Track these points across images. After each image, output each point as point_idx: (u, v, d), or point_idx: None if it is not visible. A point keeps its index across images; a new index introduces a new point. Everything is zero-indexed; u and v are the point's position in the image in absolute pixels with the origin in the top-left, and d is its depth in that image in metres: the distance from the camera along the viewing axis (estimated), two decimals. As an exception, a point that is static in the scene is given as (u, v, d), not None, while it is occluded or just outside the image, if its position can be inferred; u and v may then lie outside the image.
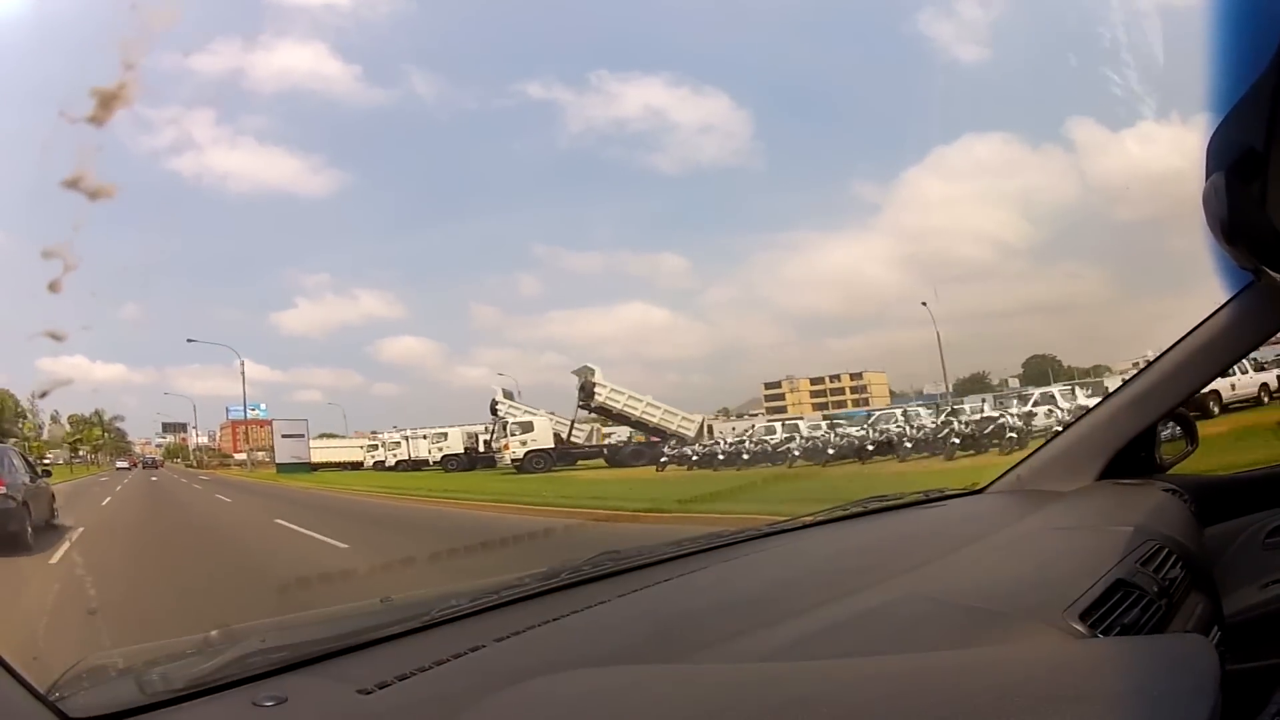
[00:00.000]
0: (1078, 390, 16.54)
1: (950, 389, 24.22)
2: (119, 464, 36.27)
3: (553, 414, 23.68)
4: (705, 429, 22.97)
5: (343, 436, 29.95)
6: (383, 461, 26.63)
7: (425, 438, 25.77)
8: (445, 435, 25.36)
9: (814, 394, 31.91)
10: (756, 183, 30.64)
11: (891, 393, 28.13)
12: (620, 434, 24.24)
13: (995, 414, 15.90)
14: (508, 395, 24.59)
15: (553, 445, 22.58)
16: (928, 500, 2.45)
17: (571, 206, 37.09)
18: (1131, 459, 2.27)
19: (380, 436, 28.36)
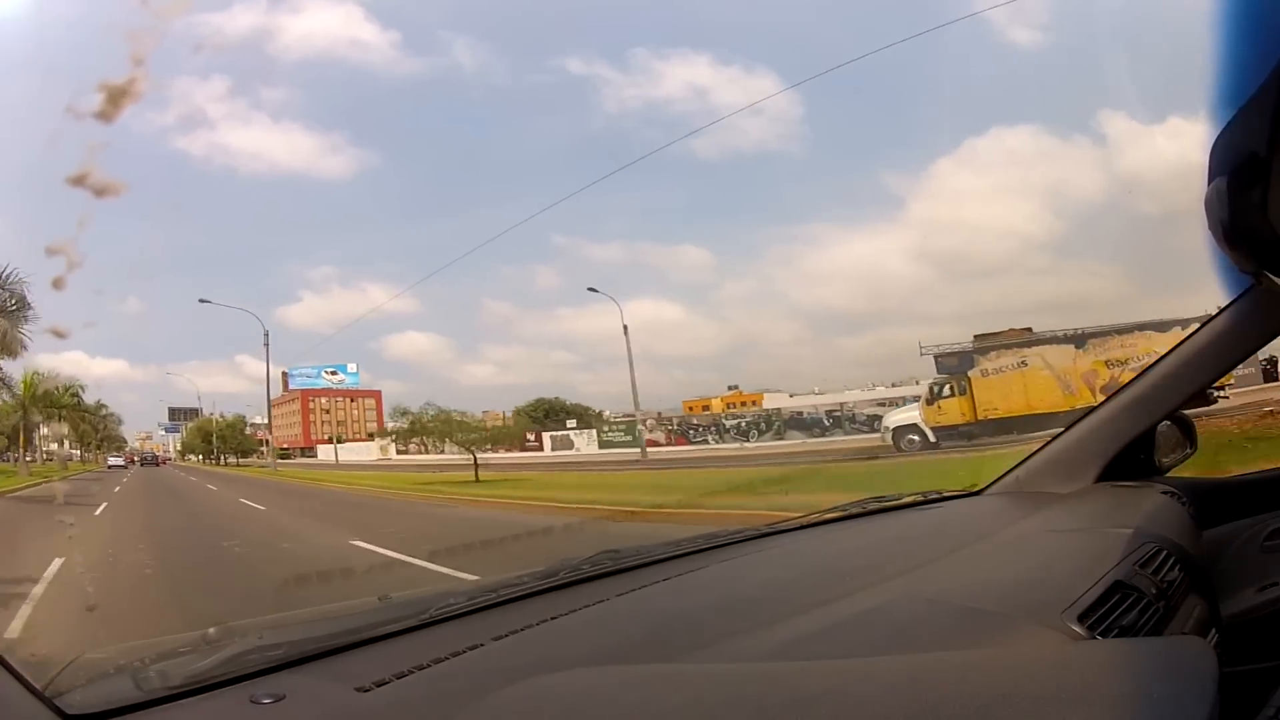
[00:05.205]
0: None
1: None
2: (111, 460, 32.83)
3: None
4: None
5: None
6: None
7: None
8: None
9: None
10: (789, 169, 29.88)
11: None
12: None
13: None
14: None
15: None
16: (926, 501, 2.46)
17: (597, 194, 36.08)
18: (1130, 461, 2.26)
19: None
